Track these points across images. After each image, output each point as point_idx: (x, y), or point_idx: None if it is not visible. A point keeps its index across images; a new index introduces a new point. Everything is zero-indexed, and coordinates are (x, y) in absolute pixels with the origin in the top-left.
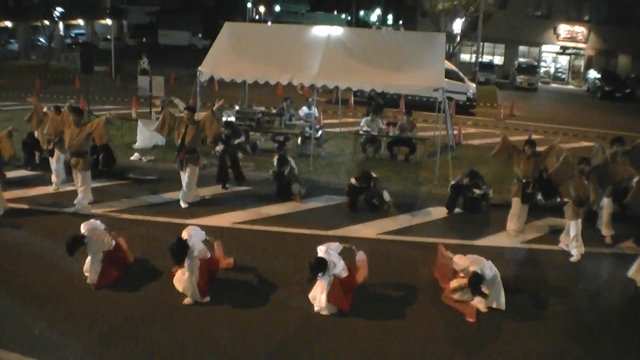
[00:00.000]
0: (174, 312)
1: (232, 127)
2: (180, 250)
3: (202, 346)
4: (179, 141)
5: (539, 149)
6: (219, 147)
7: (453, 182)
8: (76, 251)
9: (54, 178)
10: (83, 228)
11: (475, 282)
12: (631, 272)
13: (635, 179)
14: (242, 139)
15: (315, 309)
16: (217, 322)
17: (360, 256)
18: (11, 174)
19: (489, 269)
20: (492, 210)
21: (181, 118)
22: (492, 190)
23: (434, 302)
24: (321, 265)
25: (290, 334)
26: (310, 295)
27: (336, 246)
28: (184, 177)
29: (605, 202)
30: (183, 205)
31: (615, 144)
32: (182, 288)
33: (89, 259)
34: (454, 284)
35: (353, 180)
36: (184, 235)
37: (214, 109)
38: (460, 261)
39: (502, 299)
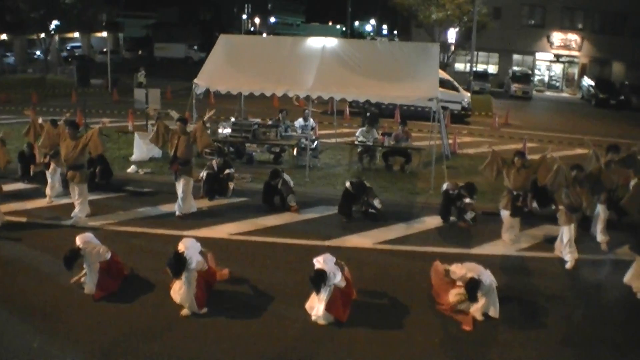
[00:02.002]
0: (173, 325)
1: (223, 159)
2: (178, 264)
3: (201, 359)
4: (172, 153)
5: (534, 157)
6: (203, 174)
7: (445, 188)
8: (74, 264)
9: (48, 191)
10: (78, 240)
11: (472, 288)
12: (627, 278)
13: (633, 183)
14: (232, 170)
15: (313, 318)
16: (215, 335)
17: (347, 273)
18: (8, 187)
19: (487, 276)
20: (487, 219)
21: (174, 130)
22: (487, 200)
23: (431, 311)
24: (321, 276)
25: (289, 345)
26: (307, 306)
27: (331, 257)
28: (179, 188)
29: (600, 208)
30: (178, 214)
31: (611, 152)
32: (179, 300)
33: (86, 271)
34: (453, 297)
35: (347, 184)
36: (180, 247)
37: (205, 119)
38: (457, 270)
39: (497, 307)
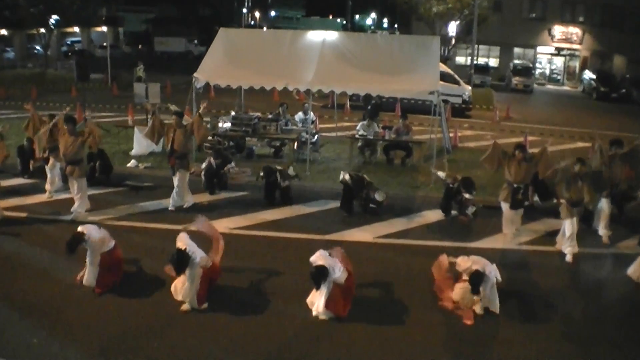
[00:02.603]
0: (172, 322)
1: (221, 156)
2: (182, 261)
3: (201, 357)
4: (169, 147)
5: (535, 150)
6: (204, 166)
7: (443, 177)
8: (77, 248)
9: (47, 186)
10: (81, 228)
11: (476, 281)
12: (631, 271)
13: None
14: (232, 164)
15: (314, 313)
16: (215, 332)
17: (347, 265)
18: (7, 182)
19: (492, 269)
20: (488, 213)
21: (170, 124)
22: (488, 193)
23: (431, 307)
24: (323, 272)
25: (288, 342)
26: (309, 300)
27: (324, 252)
28: (175, 181)
29: (603, 203)
30: (170, 208)
31: (614, 146)
32: (181, 296)
33: (87, 261)
34: (457, 293)
35: (346, 176)
36: (180, 244)
37: (201, 111)
38: (463, 262)
39: (497, 303)
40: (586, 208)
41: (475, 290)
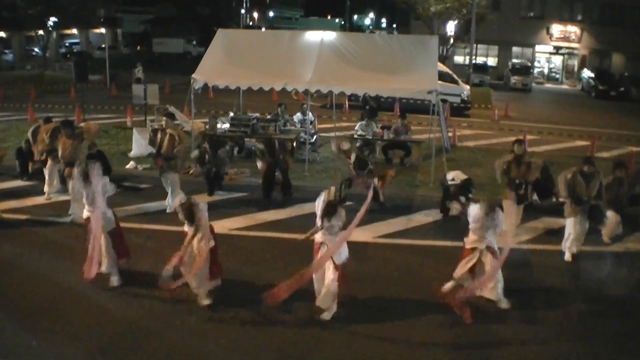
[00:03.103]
0: (171, 321)
1: (218, 160)
2: (191, 208)
3: (201, 356)
4: (157, 149)
5: (534, 149)
6: (200, 167)
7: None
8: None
9: (46, 188)
10: None
11: (466, 186)
12: None
13: None
14: (228, 164)
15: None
16: (215, 331)
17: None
18: (6, 185)
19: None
20: None
21: (160, 125)
22: (488, 192)
23: (431, 306)
24: (334, 207)
25: (288, 341)
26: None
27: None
28: (165, 183)
29: (609, 215)
30: (169, 210)
31: (618, 169)
32: (193, 288)
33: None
34: (458, 270)
35: (353, 156)
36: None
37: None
38: (471, 236)
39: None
40: (590, 205)
41: (463, 194)
